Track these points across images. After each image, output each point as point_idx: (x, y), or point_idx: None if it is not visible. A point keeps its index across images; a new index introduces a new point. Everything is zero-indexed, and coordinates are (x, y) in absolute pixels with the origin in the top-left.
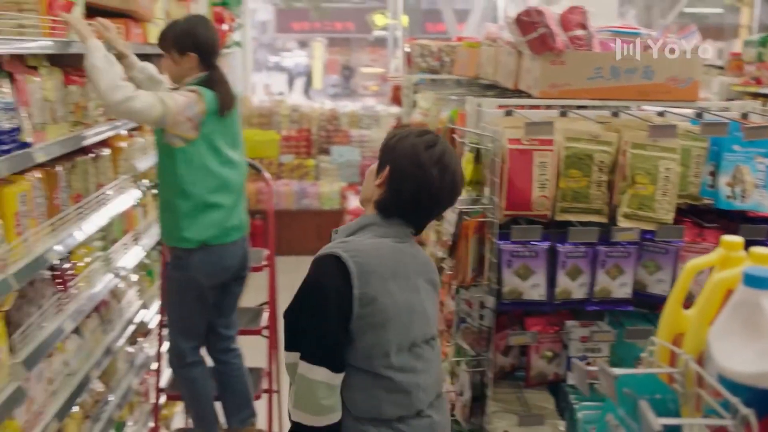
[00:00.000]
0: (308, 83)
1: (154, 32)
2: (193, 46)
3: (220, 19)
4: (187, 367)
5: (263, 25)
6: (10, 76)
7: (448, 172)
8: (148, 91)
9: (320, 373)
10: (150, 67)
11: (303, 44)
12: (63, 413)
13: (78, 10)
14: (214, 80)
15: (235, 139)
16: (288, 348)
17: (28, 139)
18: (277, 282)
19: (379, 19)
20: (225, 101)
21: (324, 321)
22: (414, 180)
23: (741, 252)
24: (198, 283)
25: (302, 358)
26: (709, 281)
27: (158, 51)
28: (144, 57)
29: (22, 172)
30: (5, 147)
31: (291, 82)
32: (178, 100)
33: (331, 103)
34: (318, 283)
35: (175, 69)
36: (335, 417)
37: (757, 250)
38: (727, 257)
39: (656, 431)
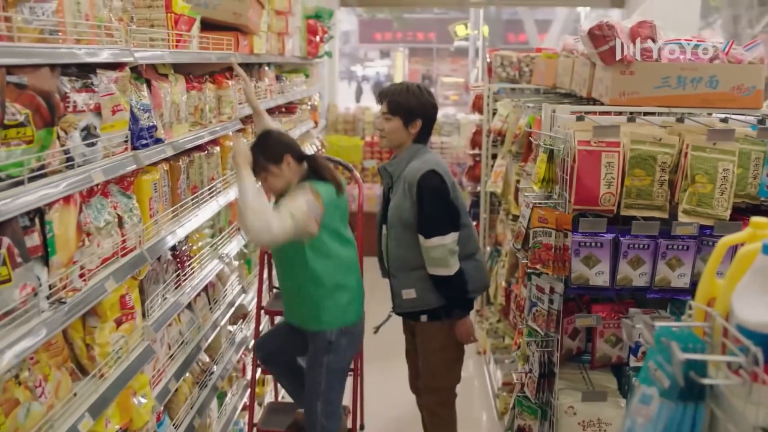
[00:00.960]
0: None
1: (258, 44)
2: (283, 151)
3: (314, 31)
4: None
5: (346, 35)
6: (148, 83)
7: (433, 96)
8: (278, 215)
9: (451, 236)
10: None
11: (385, 54)
12: (179, 375)
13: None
14: (315, 168)
15: (345, 216)
16: (435, 235)
17: (161, 136)
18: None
19: (460, 30)
20: (337, 185)
21: (445, 205)
22: (433, 114)
23: (767, 230)
24: (344, 364)
25: (440, 234)
26: (738, 253)
27: (262, 60)
28: (248, 66)
29: (154, 164)
30: (145, 141)
31: (359, 94)
32: (302, 207)
33: None
34: (434, 186)
35: (281, 181)
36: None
37: None
38: (755, 234)
39: (680, 360)
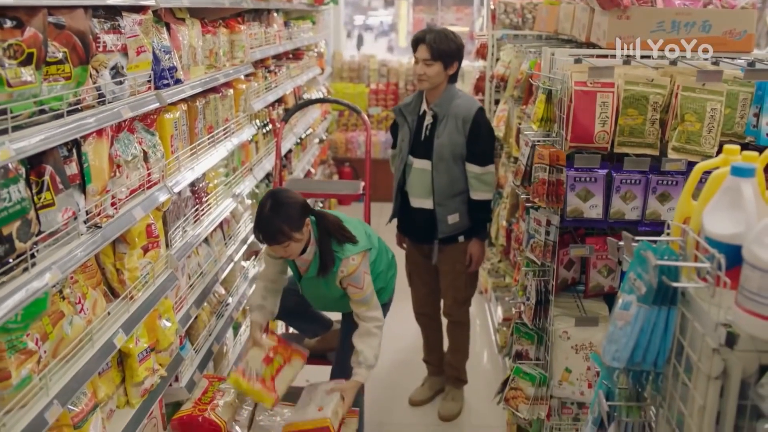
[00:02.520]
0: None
1: None
2: (304, 215)
3: None
4: None
5: None
6: (167, 26)
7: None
8: (377, 321)
9: (494, 163)
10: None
11: (389, 3)
12: (198, 303)
13: None
14: (328, 230)
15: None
16: (485, 163)
17: (180, 77)
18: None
19: None
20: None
21: (493, 136)
22: (463, 55)
23: (738, 156)
24: None
25: (491, 162)
26: (711, 175)
27: (271, 6)
28: (257, 11)
29: (174, 104)
30: (166, 81)
31: (359, 43)
32: (367, 280)
33: None
34: (486, 121)
35: (301, 244)
36: None
37: (747, 153)
38: (726, 159)
39: (654, 265)
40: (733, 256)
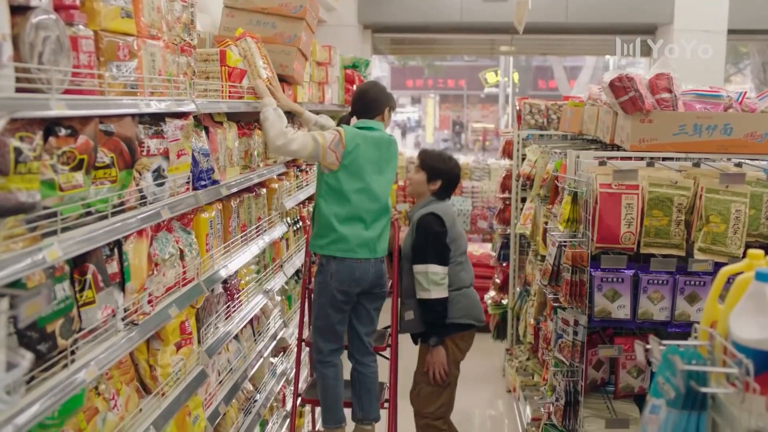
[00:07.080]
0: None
1: (301, 93)
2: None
3: (351, 80)
4: (321, 364)
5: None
6: (206, 129)
7: (460, 168)
8: (304, 133)
9: (440, 269)
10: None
11: (416, 100)
12: (227, 400)
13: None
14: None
15: (383, 170)
16: (418, 263)
17: (217, 178)
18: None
19: (490, 77)
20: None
21: (433, 239)
22: (454, 180)
23: (762, 261)
24: (330, 287)
25: (422, 263)
26: (735, 281)
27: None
28: (289, 114)
29: (210, 203)
30: (204, 182)
31: None
32: (326, 137)
33: None
34: (430, 227)
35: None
36: (446, 291)
37: None
38: (750, 264)
39: (681, 370)
40: (762, 361)
